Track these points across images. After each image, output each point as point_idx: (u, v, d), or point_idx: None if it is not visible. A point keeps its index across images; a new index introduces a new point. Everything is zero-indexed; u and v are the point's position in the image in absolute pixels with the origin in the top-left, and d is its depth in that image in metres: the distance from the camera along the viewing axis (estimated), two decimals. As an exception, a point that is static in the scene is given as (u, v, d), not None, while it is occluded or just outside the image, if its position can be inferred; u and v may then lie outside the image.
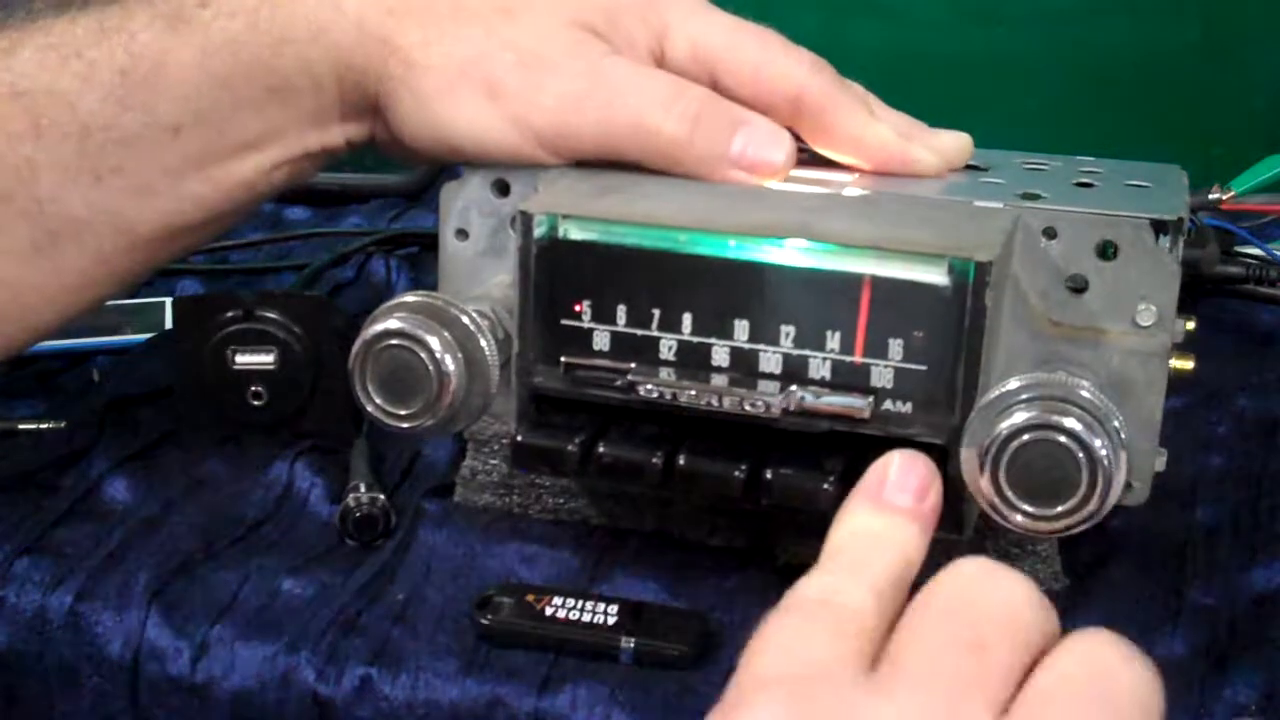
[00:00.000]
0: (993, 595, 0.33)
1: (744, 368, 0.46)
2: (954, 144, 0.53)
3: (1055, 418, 0.43)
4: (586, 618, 0.48)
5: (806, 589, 0.34)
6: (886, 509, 0.36)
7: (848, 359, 0.45)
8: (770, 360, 0.46)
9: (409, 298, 0.48)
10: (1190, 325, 0.48)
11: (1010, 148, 0.57)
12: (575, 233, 0.47)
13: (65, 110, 0.50)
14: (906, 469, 0.37)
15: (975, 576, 0.33)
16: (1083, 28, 0.95)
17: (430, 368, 0.47)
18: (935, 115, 0.54)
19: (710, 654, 0.48)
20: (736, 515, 0.53)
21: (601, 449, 0.47)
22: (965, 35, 0.96)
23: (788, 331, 0.46)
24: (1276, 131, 0.91)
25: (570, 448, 0.48)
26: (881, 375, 0.45)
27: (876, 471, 0.37)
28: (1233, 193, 0.71)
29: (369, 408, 0.48)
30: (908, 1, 0.97)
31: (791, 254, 0.45)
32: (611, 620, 0.48)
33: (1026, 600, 0.33)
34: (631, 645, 0.48)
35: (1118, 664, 0.31)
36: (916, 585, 0.34)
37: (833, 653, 0.32)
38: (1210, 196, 0.72)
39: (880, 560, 0.35)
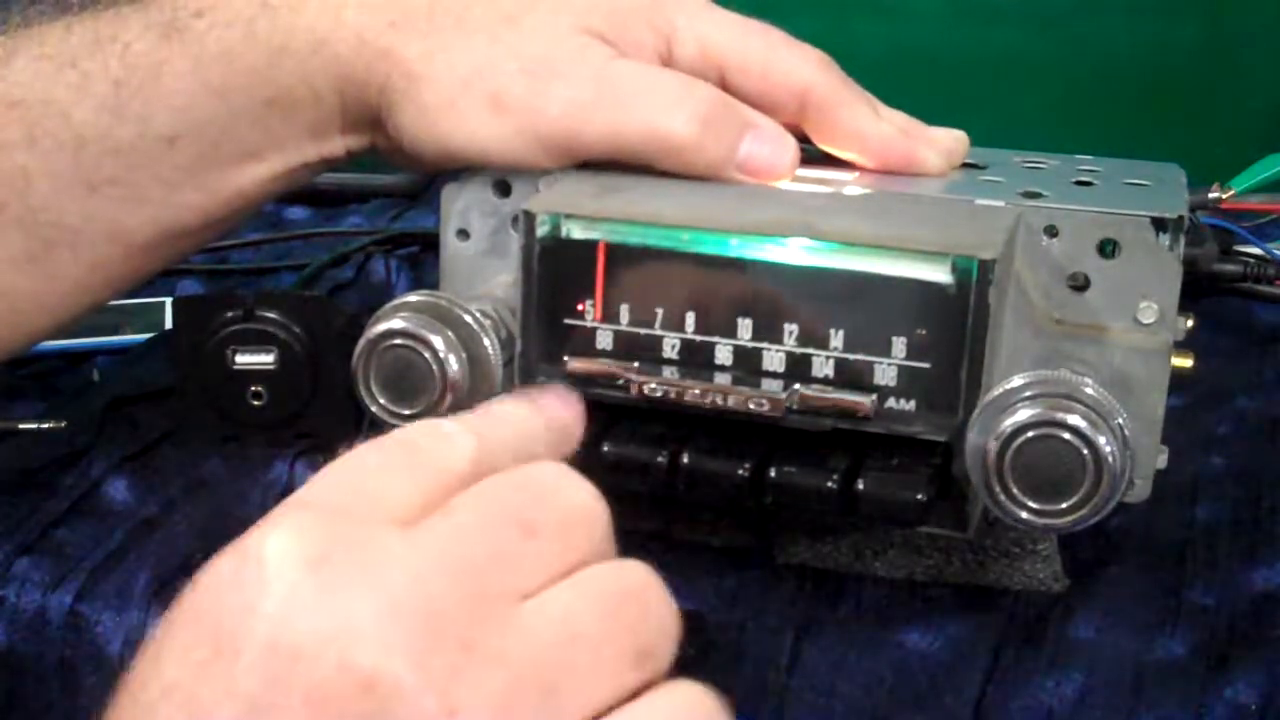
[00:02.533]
0: (565, 494, 0.33)
1: (747, 366, 0.46)
2: (952, 142, 0.53)
3: (1059, 415, 0.43)
4: (588, 617, 0.48)
5: (406, 428, 0.34)
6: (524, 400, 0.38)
7: (851, 357, 0.45)
8: (773, 359, 0.46)
9: (412, 297, 0.48)
10: (1190, 323, 0.48)
11: (1010, 147, 0.57)
12: (578, 232, 0.47)
13: (59, 120, 0.50)
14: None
15: (555, 474, 0.34)
16: (1083, 28, 0.95)
17: (434, 367, 0.47)
18: (935, 115, 0.54)
19: (710, 654, 0.48)
20: (738, 515, 0.53)
21: (605, 448, 0.47)
22: (965, 35, 0.96)
23: (791, 330, 0.46)
24: (1276, 131, 0.91)
25: (572, 447, 0.48)
26: (885, 373, 0.45)
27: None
28: (1232, 192, 0.72)
29: (372, 407, 0.48)
30: (908, 1, 0.97)
31: (794, 253, 0.45)
32: (613, 620, 0.48)
33: (593, 513, 0.33)
34: (633, 645, 0.47)
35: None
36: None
37: (391, 491, 0.32)
38: (1210, 196, 0.72)
39: (496, 428, 0.35)
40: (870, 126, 0.52)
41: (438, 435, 0.34)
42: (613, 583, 0.32)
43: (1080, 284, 0.47)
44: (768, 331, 0.46)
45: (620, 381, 0.47)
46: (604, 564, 0.33)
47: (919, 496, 0.44)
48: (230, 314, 0.59)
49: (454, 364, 0.47)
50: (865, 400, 0.45)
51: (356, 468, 0.33)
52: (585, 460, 0.48)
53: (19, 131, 0.50)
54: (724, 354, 0.46)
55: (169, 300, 0.70)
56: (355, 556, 0.30)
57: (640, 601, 0.32)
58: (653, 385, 0.46)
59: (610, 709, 0.30)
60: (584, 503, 0.34)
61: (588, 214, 0.47)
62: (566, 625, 0.30)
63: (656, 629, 0.32)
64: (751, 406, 0.46)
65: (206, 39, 0.50)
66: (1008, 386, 0.44)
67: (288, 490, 0.57)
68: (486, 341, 0.47)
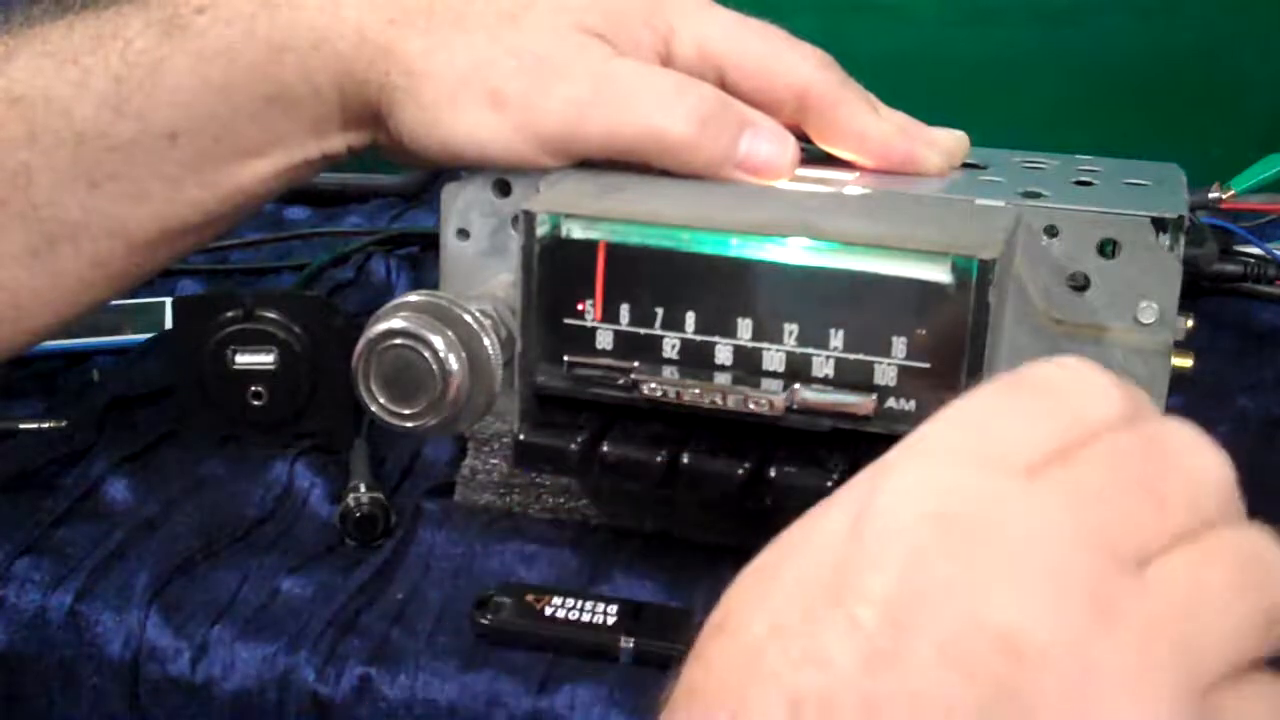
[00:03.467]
0: (1196, 459, 0.31)
1: (747, 366, 0.46)
2: (952, 142, 0.53)
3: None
4: (586, 618, 0.48)
5: (1041, 367, 0.32)
6: None
7: (851, 357, 0.45)
8: (773, 358, 0.46)
9: (412, 297, 0.48)
10: (1190, 323, 0.48)
11: (1010, 148, 0.57)
12: (578, 232, 0.47)
13: (61, 116, 0.50)
14: None
15: (1185, 437, 0.31)
16: (1083, 28, 0.95)
17: (434, 367, 0.47)
18: (935, 115, 0.54)
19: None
20: (737, 515, 0.53)
21: (605, 447, 0.47)
22: (965, 35, 0.96)
23: (791, 330, 0.46)
24: (1276, 131, 0.91)
25: (573, 446, 0.48)
26: (885, 373, 0.45)
27: None
28: (1232, 192, 0.72)
29: (373, 407, 0.48)
30: (907, 1, 0.97)
31: (794, 252, 0.45)
32: (611, 620, 0.48)
33: (1223, 479, 0.31)
34: (631, 645, 0.47)
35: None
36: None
37: (1021, 438, 0.30)
38: (1210, 196, 0.72)
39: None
40: (870, 126, 0.52)
41: (1085, 382, 0.32)
42: (1240, 547, 0.30)
43: (1080, 284, 0.47)
44: (768, 331, 0.46)
45: (620, 381, 0.47)
46: (1230, 529, 0.31)
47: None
48: (230, 314, 0.59)
49: (454, 364, 0.47)
50: (865, 400, 0.45)
51: (985, 409, 0.31)
52: (585, 460, 0.48)
53: (20, 128, 0.50)
54: (724, 354, 0.46)
55: (169, 300, 0.70)
56: (977, 510, 0.29)
57: (1267, 566, 0.30)
58: (653, 385, 0.47)
59: (1239, 673, 0.29)
60: (1213, 468, 0.31)
61: (588, 214, 0.47)
62: (1195, 589, 0.29)
63: None
64: (751, 406, 0.46)
65: (207, 36, 0.50)
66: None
67: (288, 490, 0.57)
68: (486, 341, 0.47)
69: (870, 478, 0.30)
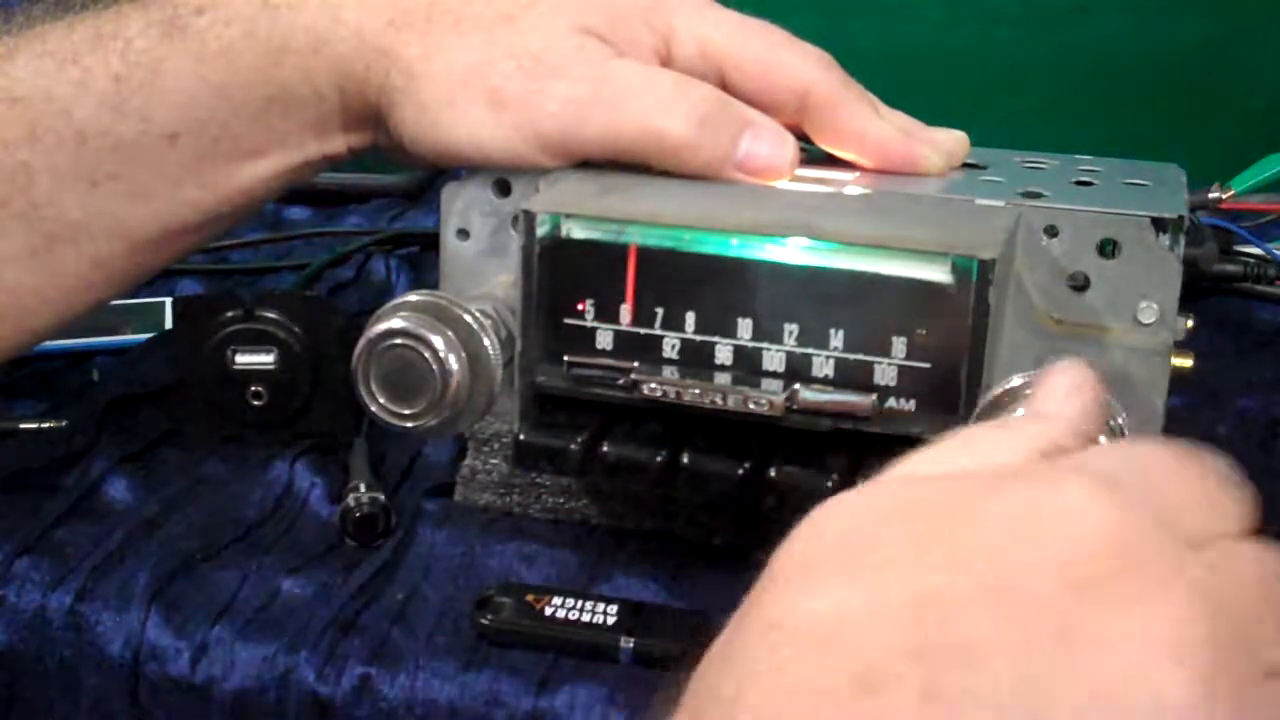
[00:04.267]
0: (1192, 490, 0.31)
1: (747, 366, 0.46)
2: (953, 142, 0.53)
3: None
4: (586, 617, 0.48)
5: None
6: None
7: (851, 357, 0.45)
8: (773, 358, 0.46)
9: (412, 297, 0.48)
10: (1190, 323, 0.48)
11: (1010, 147, 0.57)
12: (578, 231, 0.47)
13: (61, 116, 0.50)
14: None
15: (1180, 466, 0.31)
16: (1083, 28, 0.95)
17: (434, 367, 0.47)
18: (935, 115, 0.54)
19: (712, 653, 0.48)
20: (737, 515, 0.53)
21: (605, 447, 0.47)
22: (965, 35, 0.96)
23: (791, 330, 0.46)
24: (1276, 131, 0.91)
25: (573, 446, 0.48)
26: (885, 373, 0.45)
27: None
28: (1232, 192, 0.72)
29: (372, 407, 0.48)
30: (907, 1, 0.97)
31: (794, 252, 0.45)
32: (611, 620, 0.48)
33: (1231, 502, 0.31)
34: (631, 645, 0.47)
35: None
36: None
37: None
38: (1210, 196, 0.72)
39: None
40: (871, 126, 0.52)
41: (1042, 419, 0.33)
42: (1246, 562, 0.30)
43: (1080, 284, 0.47)
44: (768, 331, 0.46)
45: (620, 381, 0.47)
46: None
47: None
48: (230, 314, 0.59)
49: (454, 364, 0.47)
50: (865, 400, 0.45)
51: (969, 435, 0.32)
52: (585, 460, 0.48)
53: (21, 128, 0.50)
54: (724, 354, 0.46)
55: (169, 300, 0.70)
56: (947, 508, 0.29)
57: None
58: (653, 385, 0.47)
59: None
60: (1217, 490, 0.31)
61: (588, 214, 0.47)
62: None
63: None
64: (751, 406, 0.46)
65: (207, 37, 0.50)
66: (1008, 386, 0.44)
67: (288, 490, 0.57)
68: (486, 341, 0.47)
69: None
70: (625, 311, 0.47)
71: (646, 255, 0.46)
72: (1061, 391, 0.35)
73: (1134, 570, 0.27)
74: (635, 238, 0.46)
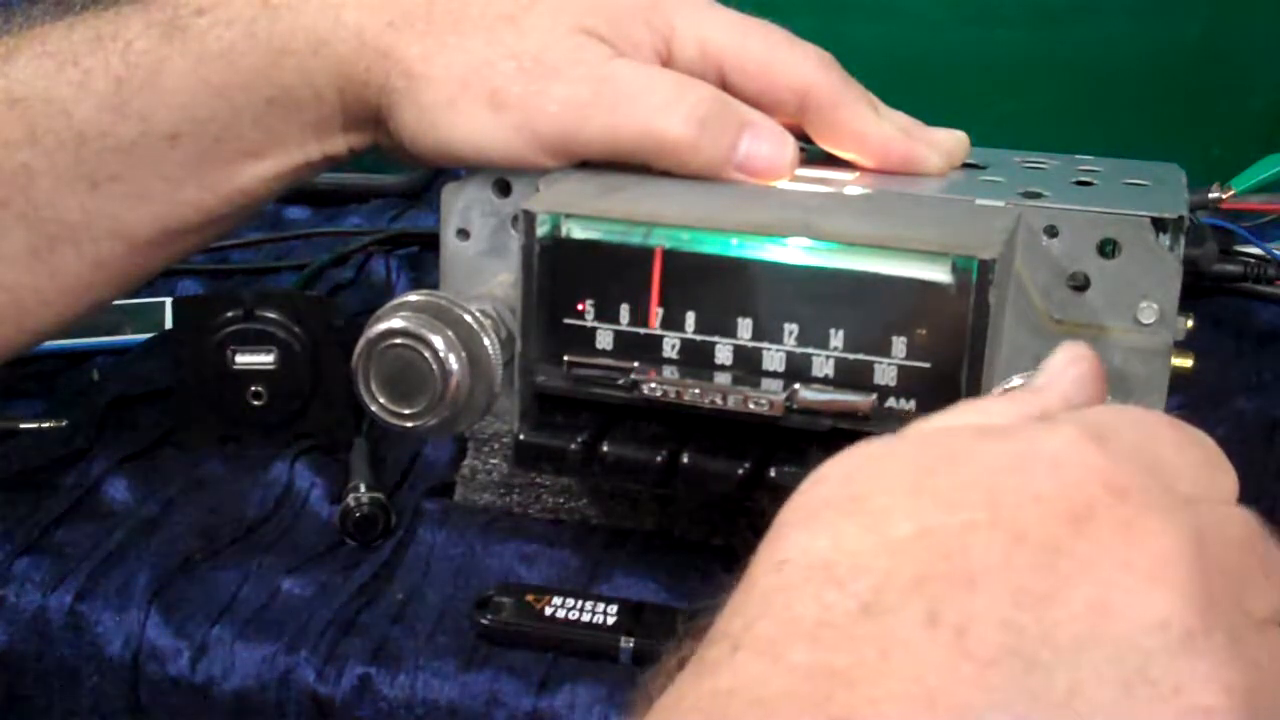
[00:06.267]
0: (1185, 453, 0.32)
1: (747, 366, 0.46)
2: (953, 142, 0.53)
3: (1058, 416, 0.43)
4: (586, 618, 0.48)
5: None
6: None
7: (851, 357, 0.45)
8: (773, 358, 0.46)
9: (412, 297, 0.48)
10: (1190, 323, 0.48)
11: (1010, 147, 0.57)
12: (578, 232, 0.47)
13: (61, 117, 0.50)
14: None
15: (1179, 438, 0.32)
16: (1083, 28, 0.95)
17: (434, 367, 0.47)
18: (935, 115, 0.54)
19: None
20: (737, 515, 0.53)
21: (605, 447, 0.47)
22: (965, 35, 0.96)
23: (791, 330, 0.45)
24: (1276, 131, 0.91)
25: (573, 446, 0.48)
26: (885, 373, 0.45)
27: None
28: (1232, 192, 0.71)
29: (372, 407, 0.48)
30: (907, 1, 0.97)
31: (794, 252, 0.45)
32: (611, 620, 0.48)
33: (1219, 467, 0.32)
34: (631, 645, 0.47)
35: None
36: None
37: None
38: (1210, 196, 0.72)
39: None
40: (871, 126, 0.52)
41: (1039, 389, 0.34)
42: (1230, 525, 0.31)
43: (1080, 284, 0.47)
44: (768, 331, 0.46)
45: (620, 381, 0.47)
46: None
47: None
48: (230, 314, 0.59)
49: (454, 364, 0.47)
50: (865, 400, 0.45)
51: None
52: (585, 460, 0.48)
53: (21, 129, 0.50)
54: (724, 354, 0.46)
55: (169, 300, 0.70)
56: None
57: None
58: (652, 385, 0.46)
59: None
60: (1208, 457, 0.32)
61: (588, 214, 0.47)
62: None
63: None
64: (751, 406, 0.46)
65: (207, 38, 0.50)
66: (1008, 386, 0.44)
67: (288, 490, 0.57)
68: (486, 341, 0.47)
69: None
70: (625, 311, 0.47)
71: (647, 255, 0.46)
72: (1059, 364, 0.35)
73: (1125, 504, 0.29)
74: (635, 238, 0.46)
